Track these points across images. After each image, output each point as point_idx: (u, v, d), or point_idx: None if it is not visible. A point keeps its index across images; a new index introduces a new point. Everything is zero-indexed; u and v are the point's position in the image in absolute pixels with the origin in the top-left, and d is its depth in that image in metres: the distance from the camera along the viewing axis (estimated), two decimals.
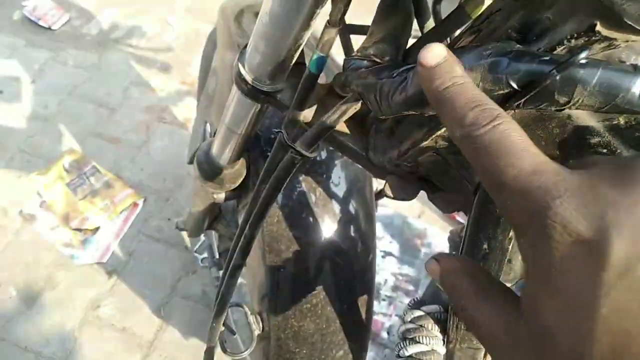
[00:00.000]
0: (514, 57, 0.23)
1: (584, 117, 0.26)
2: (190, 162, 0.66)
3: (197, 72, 1.18)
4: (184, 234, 1.32)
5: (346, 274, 0.62)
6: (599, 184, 0.19)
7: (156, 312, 1.32)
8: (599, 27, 0.22)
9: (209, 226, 0.93)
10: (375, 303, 1.31)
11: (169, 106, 1.78)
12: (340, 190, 0.63)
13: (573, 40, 0.23)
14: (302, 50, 0.40)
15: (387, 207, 1.54)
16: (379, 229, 1.50)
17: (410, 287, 1.41)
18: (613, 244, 0.17)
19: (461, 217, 1.50)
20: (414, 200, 0.40)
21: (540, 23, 0.24)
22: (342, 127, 0.43)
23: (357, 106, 0.35)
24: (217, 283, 1.17)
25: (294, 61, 0.40)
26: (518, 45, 0.24)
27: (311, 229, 0.60)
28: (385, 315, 1.35)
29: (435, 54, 0.23)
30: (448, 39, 0.37)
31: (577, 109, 0.23)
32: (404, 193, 0.41)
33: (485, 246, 0.33)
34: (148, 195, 1.54)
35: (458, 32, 0.34)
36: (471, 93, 0.22)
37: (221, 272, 1.11)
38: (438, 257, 0.26)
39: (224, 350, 0.59)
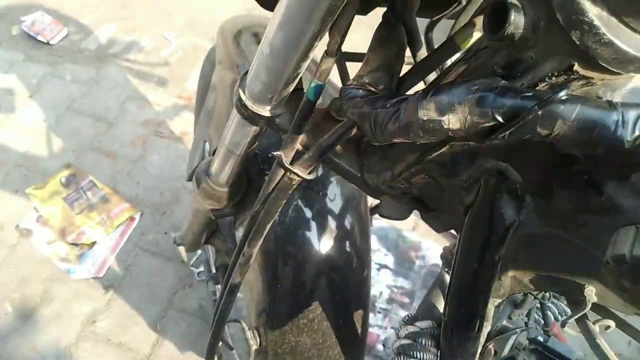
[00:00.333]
0: (499, 93, 0.25)
1: (566, 146, 0.28)
2: (190, 179, 0.68)
3: (193, 87, 1.19)
4: (181, 248, 1.32)
5: (342, 289, 0.63)
6: None
7: (152, 326, 1.32)
8: (576, 67, 0.24)
9: (206, 241, 0.94)
10: (370, 315, 1.32)
11: (165, 120, 1.80)
12: (336, 206, 0.65)
13: (554, 78, 0.25)
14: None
15: (381, 220, 1.56)
16: (374, 242, 1.51)
17: (406, 300, 1.42)
18: None
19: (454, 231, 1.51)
20: None
21: (524, 62, 0.26)
22: (337, 148, 0.44)
23: (353, 131, 0.37)
24: (214, 297, 1.18)
25: (292, 88, 0.41)
26: (503, 81, 0.26)
27: (307, 245, 0.62)
28: (380, 328, 1.36)
29: None
30: (439, 68, 0.39)
31: (557, 141, 0.25)
32: (397, 213, 0.43)
33: (475, 265, 0.35)
34: (144, 209, 1.55)
35: (449, 62, 0.36)
36: None
37: (218, 286, 1.12)
38: None
39: None
